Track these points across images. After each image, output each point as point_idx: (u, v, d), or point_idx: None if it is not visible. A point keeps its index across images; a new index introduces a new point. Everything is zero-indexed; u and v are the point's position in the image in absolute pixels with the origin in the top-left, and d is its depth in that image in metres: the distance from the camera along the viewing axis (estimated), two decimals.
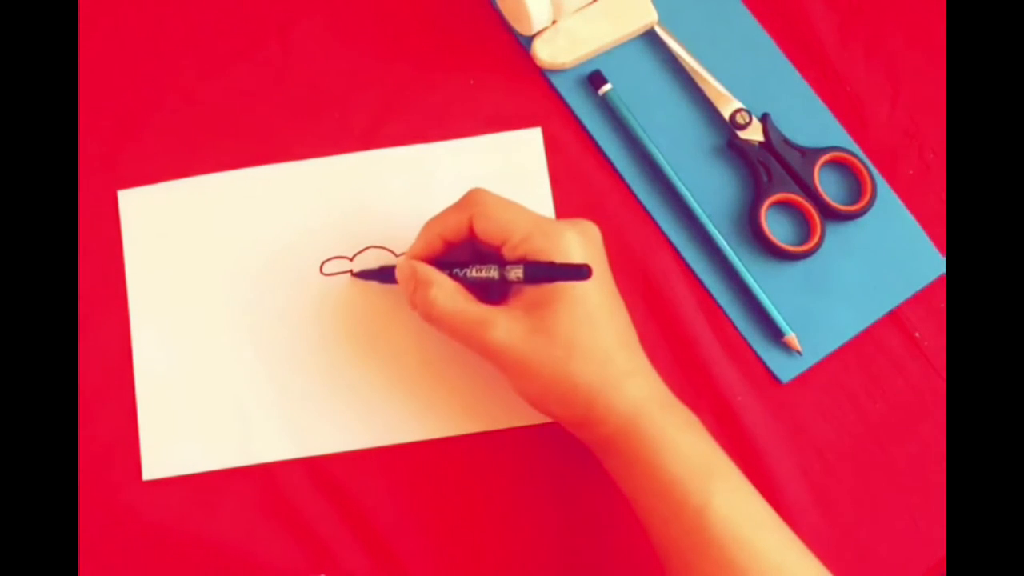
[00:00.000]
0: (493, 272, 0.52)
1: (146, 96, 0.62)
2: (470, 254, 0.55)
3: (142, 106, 0.62)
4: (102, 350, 0.58)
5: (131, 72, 0.63)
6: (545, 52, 0.62)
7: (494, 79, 0.63)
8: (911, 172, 0.63)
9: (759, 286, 0.60)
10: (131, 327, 0.59)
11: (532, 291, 0.51)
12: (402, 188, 0.61)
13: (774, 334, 0.60)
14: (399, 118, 0.62)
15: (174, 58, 0.63)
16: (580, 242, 0.51)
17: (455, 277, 0.53)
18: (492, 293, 0.53)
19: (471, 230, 0.53)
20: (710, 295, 0.61)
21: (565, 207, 0.61)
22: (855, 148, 0.62)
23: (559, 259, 0.50)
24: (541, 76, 0.63)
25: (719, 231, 0.61)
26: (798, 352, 0.60)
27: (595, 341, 0.50)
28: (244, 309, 0.59)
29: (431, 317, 0.53)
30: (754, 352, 0.60)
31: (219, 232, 0.60)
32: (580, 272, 0.49)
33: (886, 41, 0.64)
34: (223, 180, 0.61)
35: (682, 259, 0.61)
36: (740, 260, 0.60)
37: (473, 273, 0.52)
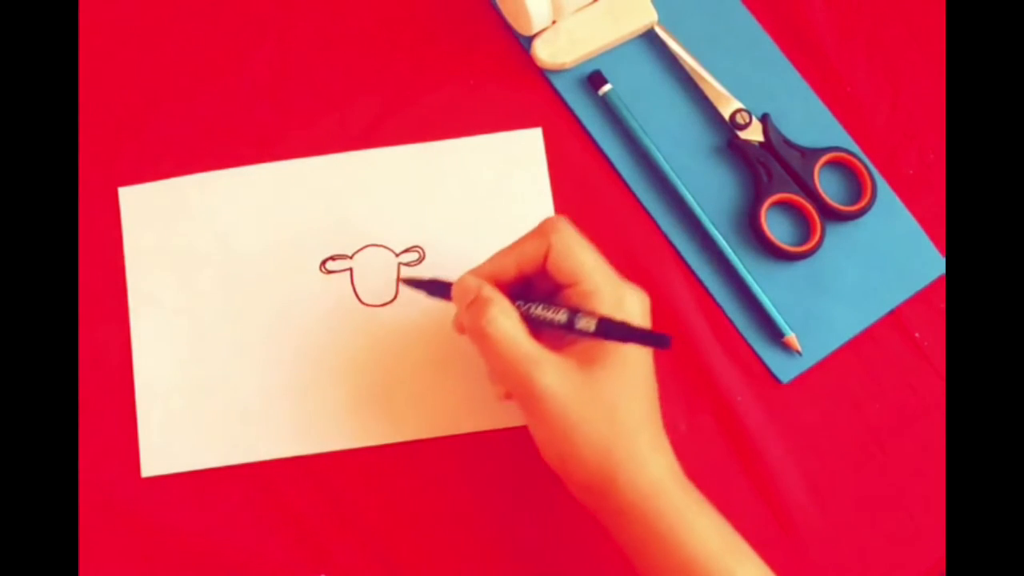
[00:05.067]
0: (562, 316, 0.49)
1: (146, 95, 0.62)
2: (522, 287, 0.53)
3: (142, 104, 0.62)
4: (102, 347, 0.58)
5: (131, 71, 0.63)
6: (545, 52, 0.62)
7: (494, 79, 0.63)
8: (911, 172, 0.63)
9: (759, 286, 0.60)
10: (130, 324, 0.59)
11: (586, 346, 0.50)
12: (402, 187, 0.61)
13: (774, 334, 0.60)
14: (399, 118, 0.62)
15: (174, 57, 0.63)
16: (641, 311, 0.51)
17: (517, 308, 0.51)
18: (543, 336, 0.51)
19: (545, 261, 0.51)
20: (710, 295, 0.61)
21: (565, 207, 0.61)
22: (855, 148, 0.62)
23: (625, 320, 0.49)
24: (541, 76, 0.63)
25: (719, 231, 0.61)
26: (798, 352, 0.59)
27: (632, 411, 0.50)
28: (243, 307, 0.59)
29: (486, 336, 0.49)
30: (754, 352, 0.60)
31: (219, 230, 0.60)
32: (662, 341, 0.48)
33: (886, 41, 0.65)
34: (223, 178, 0.61)
35: (682, 259, 0.61)
36: (740, 260, 0.60)
37: (539, 311, 0.50)
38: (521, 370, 0.49)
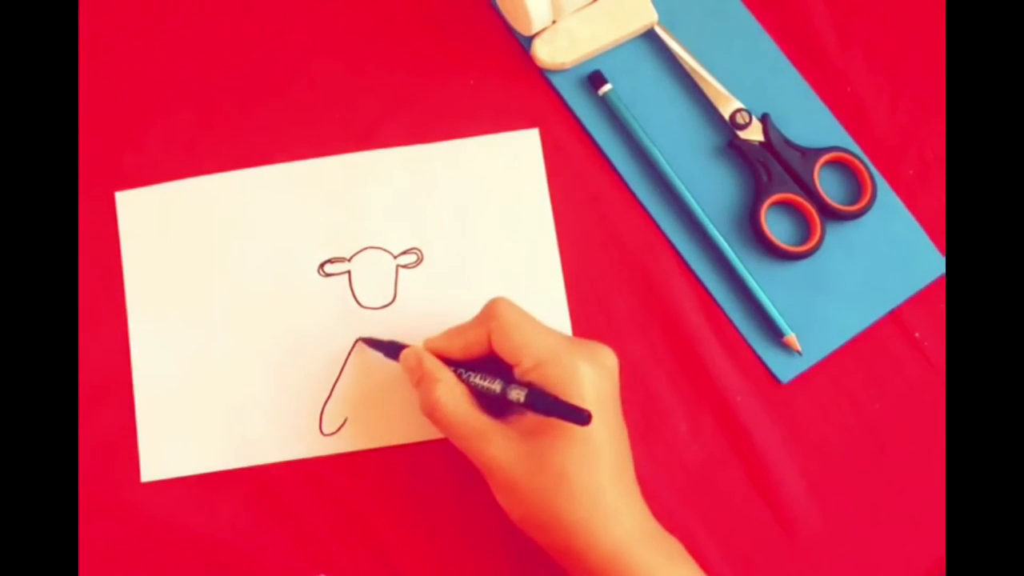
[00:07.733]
0: (496, 386, 0.50)
1: (146, 97, 0.62)
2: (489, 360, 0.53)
3: (142, 107, 0.62)
4: (101, 352, 0.58)
5: (131, 73, 0.63)
6: (545, 52, 0.62)
7: (494, 79, 0.63)
8: (911, 172, 0.63)
9: (759, 286, 0.60)
10: (129, 329, 0.59)
11: (534, 415, 0.50)
12: (401, 188, 0.61)
13: (774, 334, 0.60)
14: (399, 118, 0.62)
15: (174, 59, 0.63)
16: (592, 377, 0.50)
17: (459, 377, 0.52)
18: (494, 403, 0.52)
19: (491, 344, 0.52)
20: (710, 295, 0.61)
21: (565, 208, 0.61)
22: (855, 148, 0.62)
23: (568, 393, 0.49)
24: (541, 76, 0.63)
25: (719, 231, 0.61)
26: (798, 352, 0.59)
27: (587, 479, 0.49)
28: (242, 310, 0.59)
29: (433, 416, 0.51)
30: (754, 352, 0.60)
31: (217, 233, 0.60)
32: (580, 417, 0.47)
33: (886, 41, 0.64)
34: (220, 181, 0.61)
35: (682, 259, 0.61)
36: (740, 260, 0.60)
37: (476, 380, 0.51)
38: (470, 444, 0.51)
